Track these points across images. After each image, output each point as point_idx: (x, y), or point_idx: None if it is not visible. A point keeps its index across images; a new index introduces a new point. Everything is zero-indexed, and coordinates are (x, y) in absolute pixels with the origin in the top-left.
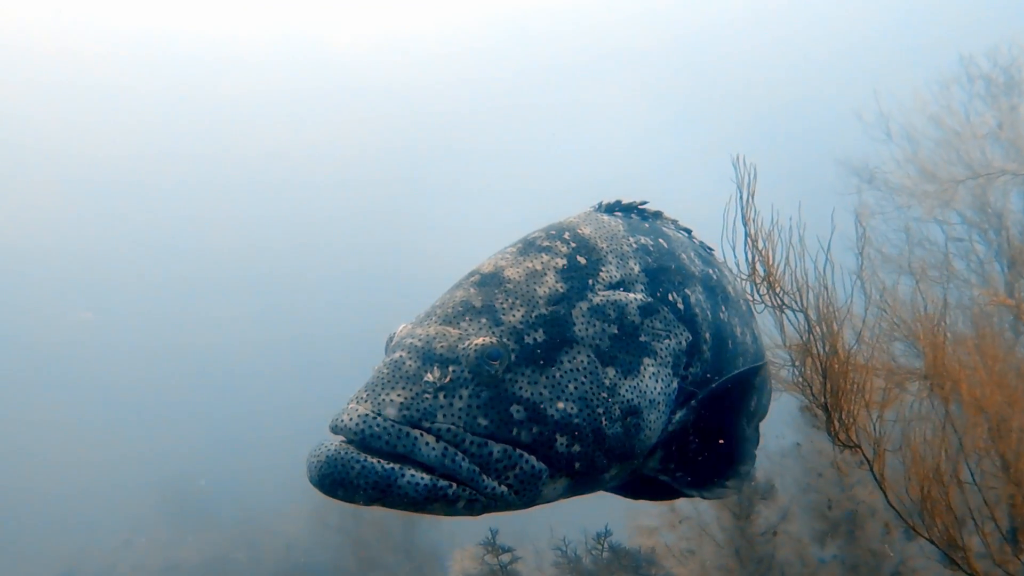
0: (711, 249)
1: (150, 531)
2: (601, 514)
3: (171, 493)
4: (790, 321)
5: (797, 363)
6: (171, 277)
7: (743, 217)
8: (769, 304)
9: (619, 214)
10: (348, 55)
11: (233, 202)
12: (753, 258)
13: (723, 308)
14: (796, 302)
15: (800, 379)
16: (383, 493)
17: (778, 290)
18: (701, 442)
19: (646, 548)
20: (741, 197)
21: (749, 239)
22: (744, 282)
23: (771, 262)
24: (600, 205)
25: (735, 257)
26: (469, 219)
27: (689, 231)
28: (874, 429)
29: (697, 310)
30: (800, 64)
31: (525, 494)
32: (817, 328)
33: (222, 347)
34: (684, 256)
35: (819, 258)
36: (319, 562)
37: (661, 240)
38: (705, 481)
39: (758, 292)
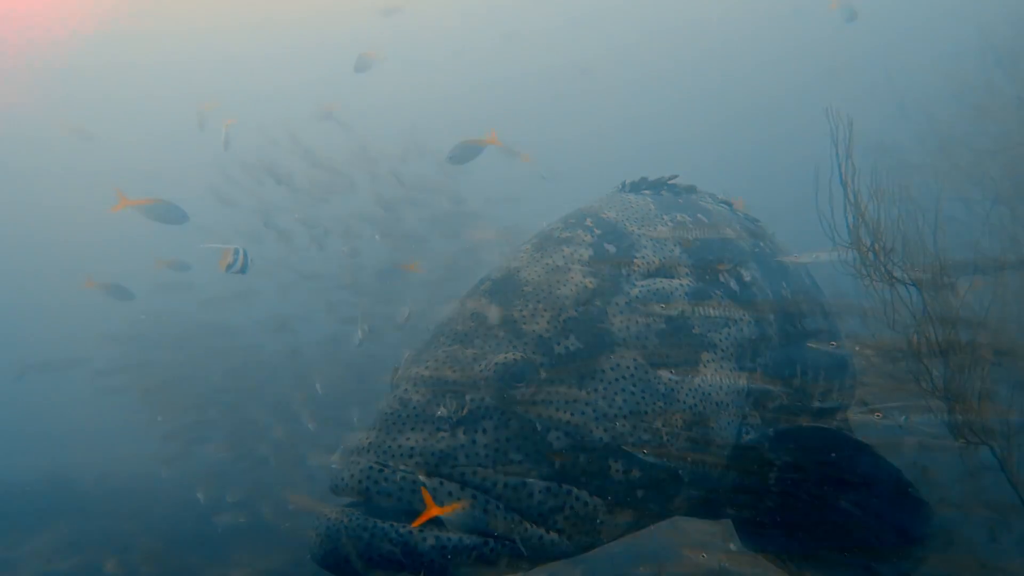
0: (757, 220)
1: None
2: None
3: None
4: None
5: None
6: None
7: (840, 178)
8: (875, 278)
9: (647, 192)
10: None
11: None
12: (857, 224)
13: (783, 284)
14: (909, 274)
15: (916, 365)
16: (402, 566)
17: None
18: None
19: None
20: (837, 154)
21: (850, 204)
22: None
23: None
24: (623, 184)
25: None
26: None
27: (729, 203)
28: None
29: (755, 290)
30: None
31: (580, 538)
32: (933, 304)
33: None
34: (729, 231)
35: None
36: None
37: (700, 216)
38: None
39: (864, 265)
